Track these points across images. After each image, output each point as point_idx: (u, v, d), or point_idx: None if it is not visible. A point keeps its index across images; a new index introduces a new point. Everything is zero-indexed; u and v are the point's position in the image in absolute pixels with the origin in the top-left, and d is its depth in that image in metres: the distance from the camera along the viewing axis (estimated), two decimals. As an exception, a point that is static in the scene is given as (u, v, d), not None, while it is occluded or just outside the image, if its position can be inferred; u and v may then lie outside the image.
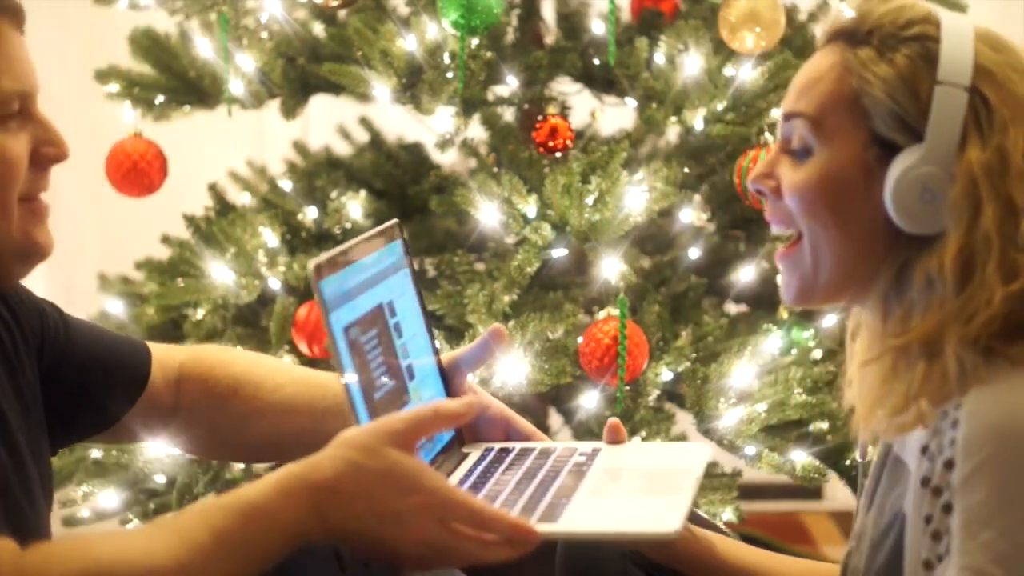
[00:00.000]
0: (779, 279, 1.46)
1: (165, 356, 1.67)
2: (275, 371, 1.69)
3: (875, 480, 1.45)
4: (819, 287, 1.39)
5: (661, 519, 1.35)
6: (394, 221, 1.52)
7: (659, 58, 2.60)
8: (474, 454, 1.59)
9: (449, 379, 1.61)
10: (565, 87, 2.77)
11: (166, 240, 2.90)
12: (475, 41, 2.50)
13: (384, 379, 1.44)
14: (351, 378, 1.33)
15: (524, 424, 1.62)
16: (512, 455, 1.57)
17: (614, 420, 1.60)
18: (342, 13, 2.79)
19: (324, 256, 1.35)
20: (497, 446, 1.61)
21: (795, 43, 2.74)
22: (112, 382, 1.60)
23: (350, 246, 1.41)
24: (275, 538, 1.20)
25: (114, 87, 2.78)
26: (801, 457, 2.43)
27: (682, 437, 2.64)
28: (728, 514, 2.49)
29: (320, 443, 1.27)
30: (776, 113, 2.53)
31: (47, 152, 1.43)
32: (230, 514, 1.21)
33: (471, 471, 1.53)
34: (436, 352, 1.60)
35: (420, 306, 1.56)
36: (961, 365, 1.28)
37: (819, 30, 1.45)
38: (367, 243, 1.44)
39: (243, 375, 1.66)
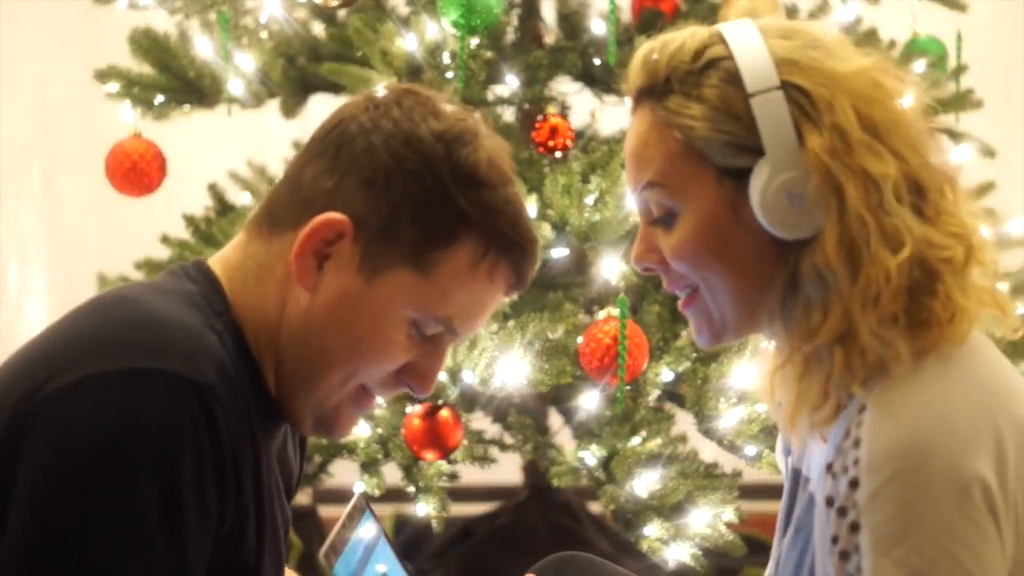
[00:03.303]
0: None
1: None
2: None
3: (789, 502, 1.43)
4: (729, 326, 1.37)
5: None
6: (359, 493, 1.51)
7: (659, 58, 2.60)
8: None
9: None
10: (565, 87, 2.77)
11: (166, 240, 2.90)
12: (475, 41, 2.50)
13: None
14: None
15: None
16: None
17: None
18: (342, 13, 2.79)
19: (326, 542, 1.35)
20: None
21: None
22: None
23: (340, 526, 1.41)
24: None
25: (114, 87, 2.78)
26: (801, 457, 2.43)
27: (682, 437, 2.64)
28: (728, 514, 2.49)
29: None
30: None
31: (411, 379, 1.39)
32: None
33: None
34: None
35: (404, 571, 1.55)
36: (882, 342, 1.27)
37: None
38: (349, 520, 1.44)
39: None
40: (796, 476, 1.42)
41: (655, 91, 1.35)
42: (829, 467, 1.27)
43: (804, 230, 1.30)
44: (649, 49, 1.37)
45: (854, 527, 1.24)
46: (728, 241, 1.33)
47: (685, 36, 1.36)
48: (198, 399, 1.24)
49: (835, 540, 1.25)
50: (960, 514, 1.21)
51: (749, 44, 1.32)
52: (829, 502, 1.26)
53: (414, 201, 1.33)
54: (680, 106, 1.33)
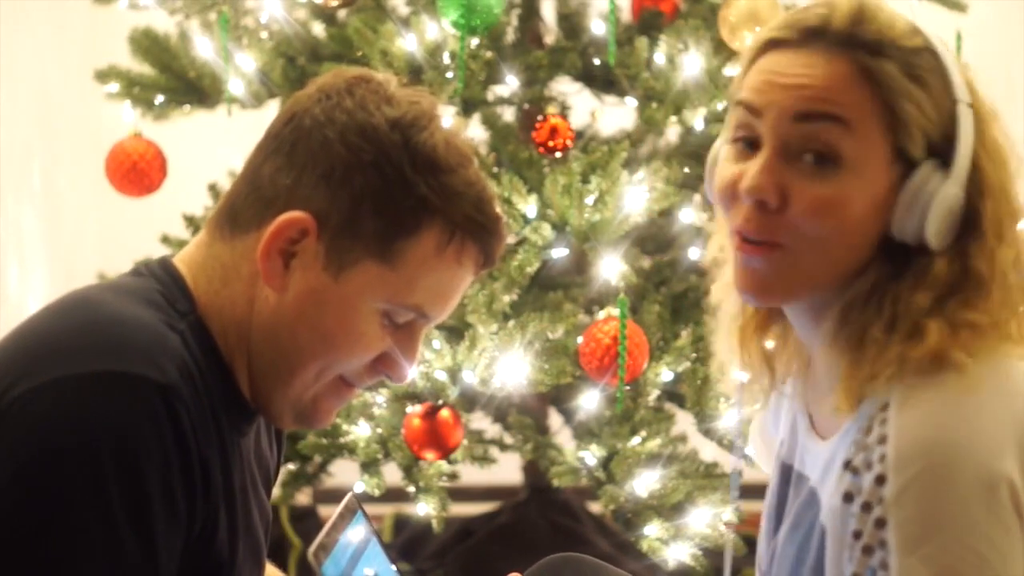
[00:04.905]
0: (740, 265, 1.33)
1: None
2: None
3: (780, 498, 1.43)
4: (793, 289, 1.32)
5: None
6: (351, 493, 1.51)
7: (659, 58, 2.60)
8: None
9: None
10: (565, 87, 2.77)
11: (166, 240, 2.90)
12: (475, 41, 2.50)
13: None
14: None
15: None
16: None
17: None
18: (342, 13, 2.79)
19: (316, 541, 1.35)
20: None
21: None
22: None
23: (331, 526, 1.41)
24: None
25: (114, 87, 2.78)
26: (801, 457, 2.43)
27: (682, 437, 2.64)
28: (728, 514, 2.49)
29: None
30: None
31: (387, 369, 1.39)
32: None
33: None
34: None
35: (396, 571, 1.55)
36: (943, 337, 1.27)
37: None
38: (340, 520, 1.44)
39: None
40: (787, 472, 1.42)
41: (864, 46, 1.29)
42: (848, 464, 1.26)
43: (919, 240, 1.29)
44: (862, 3, 1.31)
45: (880, 523, 1.23)
46: (863, 223, 1.30)
47: (895, 12, 1.32)
48: (161, 399, 1.24)
49: (858, 535, 1.24)
50: (987, 513, 1.21)
51: (946, 50, 1.31)
52: (848, 498, 1.26)
53: (375, 193, 1.31)
54: (900, 76, 1.28)
